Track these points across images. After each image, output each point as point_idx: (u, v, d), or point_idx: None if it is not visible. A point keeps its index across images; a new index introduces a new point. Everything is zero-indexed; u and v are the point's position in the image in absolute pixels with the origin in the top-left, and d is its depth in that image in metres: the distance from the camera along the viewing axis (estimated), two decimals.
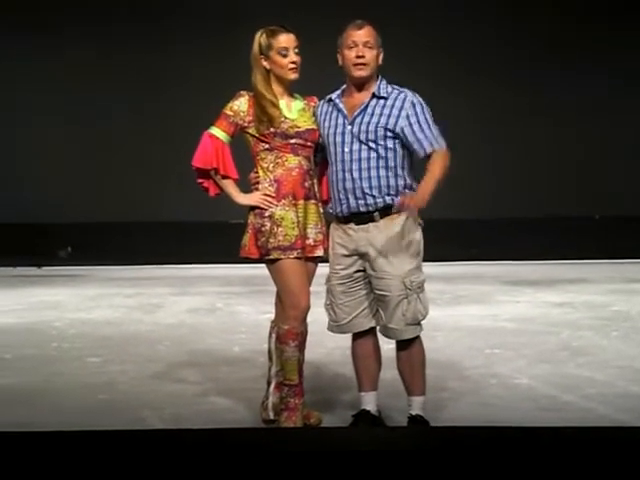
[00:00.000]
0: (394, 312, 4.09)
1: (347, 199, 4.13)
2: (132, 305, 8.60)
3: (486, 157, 12.33)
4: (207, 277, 10.98)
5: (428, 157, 4.08)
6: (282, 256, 4.16)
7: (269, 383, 4.34)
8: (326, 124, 4.20)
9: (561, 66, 12.39)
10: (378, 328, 4.22)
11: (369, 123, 4.09)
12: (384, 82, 4.17)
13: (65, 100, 12.56)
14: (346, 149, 4.12)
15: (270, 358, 4.33)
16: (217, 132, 4.23)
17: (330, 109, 4.22)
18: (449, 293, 8.94)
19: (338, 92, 4.23)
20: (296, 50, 4.20)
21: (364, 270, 4.15)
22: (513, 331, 6.96)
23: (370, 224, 4.11)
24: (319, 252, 4.27)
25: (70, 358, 6.09)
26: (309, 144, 4.26)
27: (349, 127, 4.13)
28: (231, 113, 4.23)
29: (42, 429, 4.12)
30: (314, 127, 4.26)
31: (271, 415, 4.29)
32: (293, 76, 4.22)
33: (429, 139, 4.08)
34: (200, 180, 4.30)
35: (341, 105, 4.18)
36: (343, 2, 11.89)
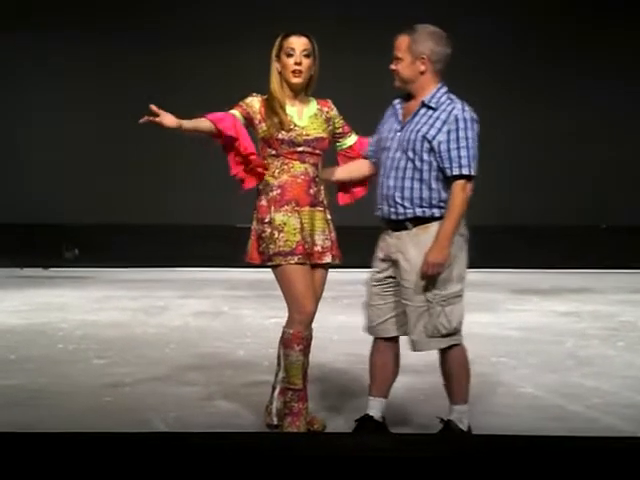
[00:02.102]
0: (416, 323, 4.06)
1: (382, 205, 4.12)
2: (138, 307, 8.60)
3: (493, 165, 12.30)
4: (213, 280, 10.99)
5: (452, 179, 4.01)
6: (283, 262, 4.16)
7: (274, 388, 4.34)
8: (384, 128, 4.20)
9: (575, 73, 12.36)
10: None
11: (411, 131, 4.05)
12: (441, 91, 4.09)
13: (72, 101, 12.56)
14: (390, 155, 4.11)
15: (279, 364, 4.33)
16: (233, 111, 4.22)
17: (391, 113, 4.21)
18: None
19: (403, 96, 4.20)
20: (305, 53, 4.19)
21: (395, 277, 4.13)
22: (519, 340, 6.95)
23: (403, 232, 4.07)
24: (327, 259, 4.27)
25: (75, 360, 6.09)
26: (317, 152, 4.26)
27: (399, 134, 4.10)
28: (244, 104, 4.25)
29: (47, 430, 4.13)
30: (323, 135, 4.26)
31: (275, 420, 4.29)
32: (294, 79, 4.21)
33: (459, 160, 3.99)
34: (234, 170, 4.24)
35: (399, 110, 4.17)
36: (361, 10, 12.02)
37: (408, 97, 4.17)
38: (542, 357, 6.22)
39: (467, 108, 4.05)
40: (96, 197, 12.39)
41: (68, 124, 12.53)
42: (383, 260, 4.16)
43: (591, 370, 5.78)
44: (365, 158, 4.39)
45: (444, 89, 4.10)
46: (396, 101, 4.21)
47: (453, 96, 4.09)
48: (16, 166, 12.60)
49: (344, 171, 4.45)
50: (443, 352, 4.14)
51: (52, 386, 5.29)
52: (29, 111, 12.62)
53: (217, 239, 11.65)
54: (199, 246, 12.12)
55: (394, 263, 4.11)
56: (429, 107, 4.06)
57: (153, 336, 7.03)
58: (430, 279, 4.02)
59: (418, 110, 4.08)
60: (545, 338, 7.00)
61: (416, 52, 4.06)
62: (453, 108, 4.03)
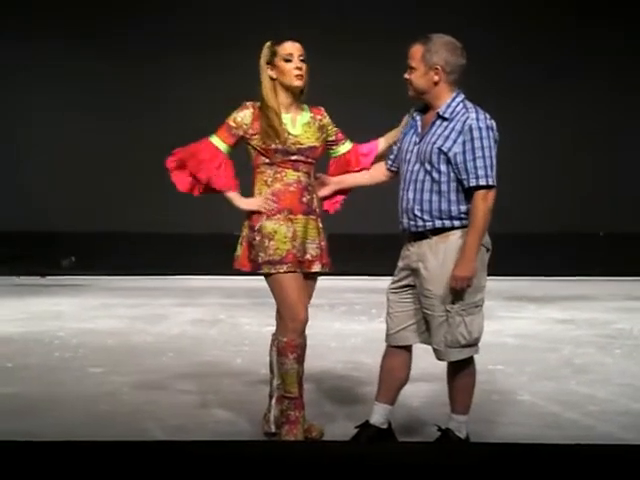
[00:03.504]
0: (436, 333, 4.03)
1: (402, 218, 4.11)
2: (135, 315, 8.60)
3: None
4: (210, 288, 10.98)
5: (473, 190, 3.98)
6: (273, 270, 4.17)
7: (271, 396, 4.34)
8: (404, 139, 4.16)
9: (574, 80, 12.39)
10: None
11: (428, 143, 4.01)
12: (456, 100, 4.04)
13: (69, 110, 12.59)
14: (409, 167, 4.07)
15: (272, 371, 4.34)
16: (217, 142, 4.24)
17: (412, 123, 4.17)
18: None
19: (422, 106, 4.15)
20: (301, 58, 4.20)
21: (415, 286, 4.11)
22: (516, 347, 6.96)
23: (424, 241, 4.04)
24: (316, 267, 4.28)
25: (72, 368, 6.09)
26: (310, 160, 4.27)
27: (417, 146, 4.07)
28: (234, 125, 4.24)
29: (43, 439, 4.12)
30: (316, 144, 4.27)
31: (273, 428, 4.29)
32: (297, 83, 4.21)
33: (476, 171, 3.95)
34: (173, 175, 4.38)
35: (419, 122, 4.13)
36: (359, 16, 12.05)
37: (426, 108, 4.13)
38: (538, 365, 6.22)
39: (482, 116, 3.99)
40: (93, 205, 12.40)
41: (66, 132, 12.55)
42: (403, 269, 4.14)
43: (587, 378, 5.79)
44: (387, 167, 4.35)
45: (459, 98, 4.05)
46: (415, 112, 4.17)
47: (470, 104, 4.04)
48: (13, 174, 12.61)
49: (359, 178, 4.44)
50: (455, 362, 4.11)
51: (49, 394, 5.28)
52: (27, 120, 12.64)
53: (214, 247, 11.62)
54: (196, 254, 12.12)
55: (414, 272, 4.09)
56: (444, 118, 4.01)
57: (150, 344, 7.03)
58: (457, 292, 3.98)
59: (434, 121, 4.04)
60: (541, 345, 7.01)
61: (430, 62, 4.01)
62: (467, 118, 3.97)
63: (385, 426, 4.22)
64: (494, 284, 11.79)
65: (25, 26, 12.49)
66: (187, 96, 12.25)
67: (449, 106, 4.02)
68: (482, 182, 3.95)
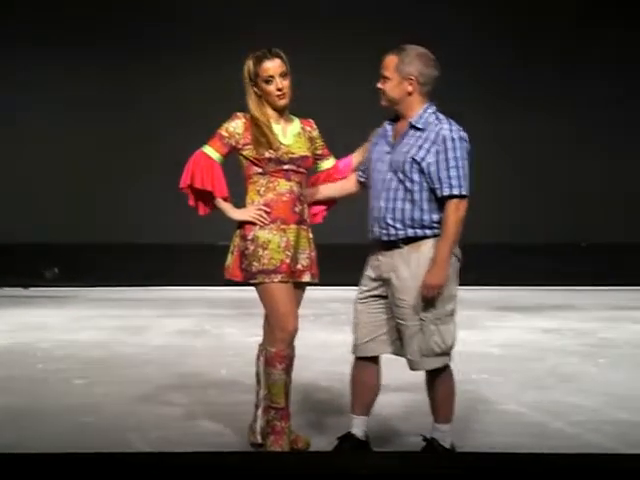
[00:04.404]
0: (410, 342, 4.04)
1: (373, 227, 4.10)
2: (119, 327, 8.56)
3: (475, 184, 12.36)
4: (194, 299, 10.96)
5: (445, 199, 3.99)
6: (266, 280, 4.16)
7: (257, 406, 4.33)
8: (374, 149, 4.18)
9: (559, 92, 12.46)
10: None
11: (400, 153, 4.03)
12: (428, 111, 4.07)
13: (52, 120, 12.55)
14: (380, 177, 4.08)
15: (258, 381, 4.32)
16: (210, 151, 4.24)
17: (382, 133, 4.19)
18: None
19: (393, 117, 4.18)
20: (282, 75, 4.20)
21: (386, 296, 4.10)
22: (501, 357, 6.96)
23: (395, 251, 4.05)
24: (306, 277, 4.28)
25: (56, 380, 6.05)
26: (302, 170, 4.27)
27: (389, 156, 4.08)
28: (226, 134, 4.24)
29: (26, 451, 4.09)
30: (308, 154, 4.28)
31: (259, 439, 4.27)
32: (281, 102, 4.23)
33: (449, 180, 3.97)
34: (190, 199, 4.30)
35: (390, 132, 4.14)
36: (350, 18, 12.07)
37: (398, 118, 4.15)
38: (524, 374, 6.23)
39: (455, 127, 4.03)
40: (76, 217, 12.36)
41: (50, 145, 12.50)
42: (374, 279, 4.13)
43: (573, 387, 5.80)
44: (357, 178, 4.37)
45: (431, 109, 4.08)
46: (387, 122, 4.19)
47: (441, 115, 4.07)
48: None
49: (331, 189, 4.45)
50: (432, 371, 4.12)
51: (32, 406, 5.24)
52: (13, 132, 12.59)
53: (198, 257, 11.62)
54: (180, 264, 12.10)
55: (385, 282, 4.10)
56: (417, 128, 4.04)
57: (134, 356, 7.00)
58: (428, 300, 4.00)
59: (407, 131, 4.06)
60: (527, 355, 7.02)
61: (404, 72, 4.04)
62: (441, 128, 4.01)
63: (364, 438, 4.22)
64: (480, 294, 11.95)
65: (23, 28, 12.45)
66: (176, 108, 12.24)
67: (421, 117, 4.05)
68: (455, 192, 3.98)
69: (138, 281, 12.14)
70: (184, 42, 12.26)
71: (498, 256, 12.20)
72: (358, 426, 4.22)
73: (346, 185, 4.42)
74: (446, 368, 4.13)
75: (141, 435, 4.61)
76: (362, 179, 4.33)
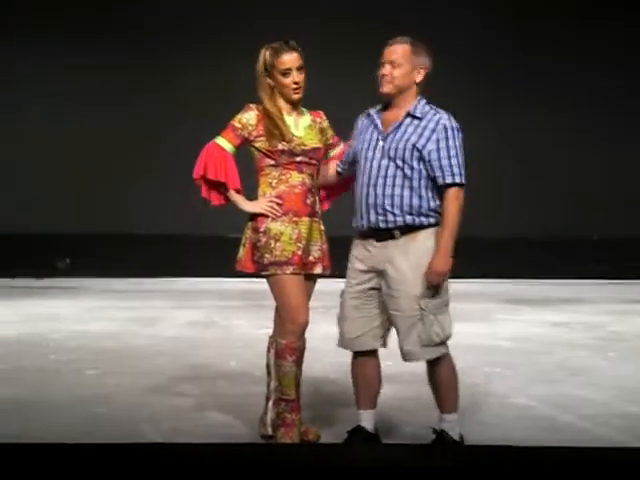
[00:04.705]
0: (409, 333, 4.05)
1: (368, 214, 4.10)
2: (130, 318, 8.60)
3: (485, 176, 12.34)
4: (205, 291, 10.99)
5: (445, 187, 4.04)
6: (278, 271, 4.17)
7: (268, 398, 4.34)
8: (361, 138, 4.19)
9: (560, 85, 12.42)
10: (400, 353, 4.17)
11: (399, 141, 4.06)
12: (422, 102, 4.12)
13: (65, 111, 12.60)
14: (374, 164, 4.09)
15: (269, 373, 4.33)
16: (223, 143, 4.24)
17: (367, 123, 4.20)
18: None
19: (378, 107, 4.20)
20: (299, 69, 4.20)
21: (379, 288, 4.12)
22: (511, 350, 6.97)
23: (390, 241, 4.07)
24: (318, 270, 4.29)
25: (68, 370, 6.08)
26: (314, 162, 4.28)
27: (381, 143, 4.11)
28: (239, 125, 4.24)
29: (38, 441, 4.12)
30: (319, 146, 4.28)
31: (269, 431, 4.29)
32: (295, 96, 4.24)
33: (452, 169, 4.02)
34: (203, 190, 4.31)
35: (378, 120, 4.16)
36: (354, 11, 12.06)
37: (384, 107, 4.18)
38: (533, 367, 6.23)
39: (452, 118, 4.09)
40: (89, 207, 12.41)
41: (61, 134, 12.54)
42: (365, 271, 4.13)
43: (582, 380, 5.80)
44: (336, 169, 4.38)
45: (424, 100, 4.14)
46: (372, 110, 4.21)
47: (434, 106, 4.12)
48: (8, 176, 12.60)
49: (320, 178, 4.43)
50: (433, 362, 4.14)
51: (44, 397, 5.27)
52: (25, 121, 12.63)
53: (209, 249, 11.65)
54: (191, 256, 12.14)
55: (380, 274, 4.10)
56: (414, 117, 4.08)
57: (145, 347, 7.03)
58: (432, 288, 4.03)
59: (403, 120, 4.09)
60: (536, 348, 7.02)
61: (416, 62, 4.08)
62: (440, 118, 4.06)
63: (374, 431, 4.24)
64: (489, 287, 11.93)
65: (24, 26, 12.48)
66: (186, 101, 12.25)
67: (417, 106, 4.10)
68: (457, 180, 4.04)
69: (149, 272, 12.18)
70: (184, 41, 12.27)
71: (508, 249, 12.20)
72: (367, 420, 4.23)
73: (329, 174, 4.41)
74: (446, 357, 4.15)
75: (153, 426, 4.63)
76: (339, 169, 4.35)
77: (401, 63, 4.06)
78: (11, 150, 12.64)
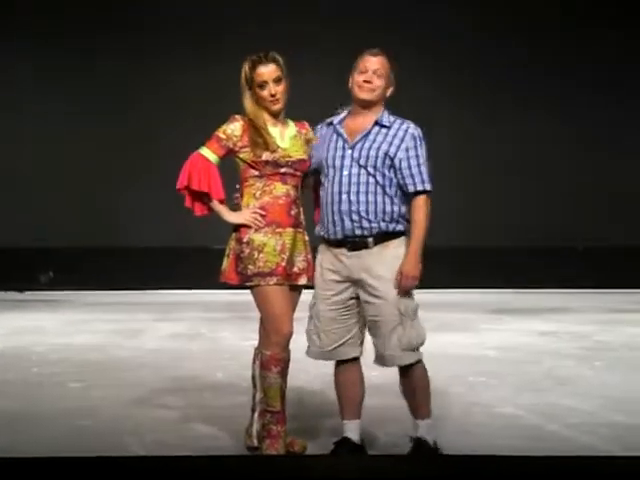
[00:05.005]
0: (389, 338, 4.08)
1: (342, 221, 4.13)
2: (114, 330, 8.56)
3: (472, 187, 12.39)
4: (189, 303, 10.96)
5: (414, 194, 4.14)
6: (262, 282, 4.16)
7: (253, 410, 4.32)
8: (324, 147, 4.22)
9: (558, 93, 12.47)
10: (373, 359, 4.20)
11: (370, 149, 4.12)
12: (387, 113, 4.21)
13: (51, 125, 12.56)
14: (345, 172, 4.13)
15: (254, 385, 4.32)
16: (207, 153, 4.23)
17: (330, 132, 4.24)
18: (433, 320, 8.89)
19: (340, 117, 4.26)
20: (276, 81, 4.21)
21: (357, 297, 4.15)
22: (497, 359, 6.97)
23: (363, 250, 4.11)
24: (302, 280, 4.28)
25: (51, 383, 6.04)
26: (298, 173, 4.28)
27: (349, 151, 4.15)
28: (224, 136, 4.24)
29: (22, 455, 4.08)
30: (304, 157, 4.28)
31: (255, 442, 4.27)
32: (274, 108, 4.25)
33: (421, 176, 4.13)
34: (187, 200, 4.30)
35: (342, 130, 4.21)
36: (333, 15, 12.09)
37: (348, 117, 4.22)
38: (520, 377, 6.23)
39: (417, 127, 4.20)
40: (72, 221, 12.36)
41: (45, 147, 12.50)
42: (340, 282, 4.16)
43: (568, 390, 5.80)
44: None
45: (387, 111, 4.24)
46: (335, 120, 4.25)
47: (397, 116, 4.22)
48: None
49: None
50: (408, 368, 4.17)
51: (28, 410, 5.24)
52: (14, 135, 12.58)
53: (192, 261, 11.63)
54: (175, 268, 12.10)
55: (356, 283, 4.13)
56: (383, 125, 4.16)
57: (130, 359, 6.99)
58: (405, 292, 4.08)
59: (371, 129, 4.16)
60: (522, 358, 7.03)
61: (391, 78, 4.21)
62: (408, 127, 4.17)
63: (359, 441, 4.24)
64: (475, 297, 11.92)
65: (24, 26, 12.45)
66: (171, 111, 12.24)
67: (383, 116, 4.19)
68: (427, 187, 4.15)
69: (133, 285, 12.14)
70: (184, 41, 12.27)
71: (494, 259, 12.22)
72: (352, 430, 4.23)
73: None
74: (420, 362, 4.19)
75: (137, 438, 4.60)
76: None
77: (382, 75, 4.16)
78: None
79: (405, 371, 4.18)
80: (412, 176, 4.12)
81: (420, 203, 4.13)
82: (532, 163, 12.61)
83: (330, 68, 11.13)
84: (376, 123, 4.17)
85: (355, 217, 4.11)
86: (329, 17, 12.13)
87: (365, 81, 4.13)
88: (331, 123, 4.26)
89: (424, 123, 4.35)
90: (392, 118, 4.20)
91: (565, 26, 12.52)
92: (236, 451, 4.35)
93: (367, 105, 4.17)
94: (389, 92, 4.21)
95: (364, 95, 4.15)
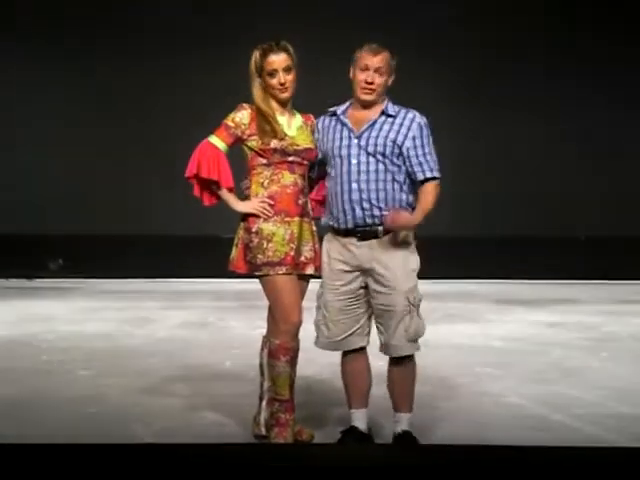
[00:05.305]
0: (397, 328, 4.11)
1: (353, 210, 4.15)
2: (123, 318, 8.59)
3: (475, 176, 12.37)
4: (198, 291, 10.98)
5: (422, 182, 4.17)
6: (271, 272, 4.19)
7: (261, 398, 4.35)
8: (330, 137, 4.24)
9: (560, 86, 12.44)
10: (378, 347, 4.23)
11: (378, 137, 4.15)
12: (390, 102, 4.23)
13: (59, 111, 12.56)
14: (353, 161, 4.16)
15: (262, 373, 4.34)
16: (216, 141, 4.26)
17: (334, 123, 4.26)
18: (440, 311, 8.95)
19: (343, 107, 4.28)
20: (287, 70, 4.23)
21: (365, 287, 4.18)
22: (503, 350, 6.98)
23: (373, 240, 4.14)
24: (310, 270, 4.30)
25: (60, 371, 6.08)
26: (305, 162, 4.29)
27: (355, 140, 4.17)
28: (232, 124, 4.26)
29: (32, 442, 4.11)
30: (311, 146, 4.30)
31: (263, 431, 4.29)
32: (282, 96, 4.27)
33: (429, 164, 4.16)
34: (196, 189, 4.32)
35: (346, 120, 4.22)
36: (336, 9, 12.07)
37: (352, 107, 4.24)
38: (526, 367, 6.25)
39: (422, 115, 4.23)
40: (82, 208, 12.37)
41: (54, 135, 12.52)
42: (349, 271, 4.18)
43: (575, 380, 5.82)
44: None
45: (389, 100, 4.25)
46: (338, 111, 4.27)
47: (401, 105, 4.25)
48: (1, 176, 12.57)
49: None
50: (404, 358, 4.19)
51: (37, 397, 5.27)
52: (19, 122, 12.60)
53: (202, 250, 11.64)
54: (184, 257, 12.12)
55: (365, 272, 4.16)
56: (389, 115, 4.19)
57: (139, 347, 7.03)
58: (391, 221, 4.07)
59: (377, 118, 4.18)
60: (529, 348, 7.04)
61: (392, 68, 4.22)
62: (414, 115, 4.21)
63: (367, 430, 4.26)
64: (482, 287, 11.93)
65: (23, 26, 12.45)
66: (180, 101, 12.24)
67: (387, 106, 4.22)
68: (436, 174, 4.19)
69: (142, 273, 12.17)
70: (184, 42, 12.26)
71: (501, 249, 12.21)
72: (359, 419, 4.26)
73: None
74: (413, 355, 4.23)
75: (145, 426, 4.64)
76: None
77: (385, 72, 4.18)
78: (4, 150, 12.62)
79: (399, 362, 4.20)
80: (420, 164, 4.15)
81: (429, 189, 4.15)
82: (533, 156, 12.58)
83: (331, 69, 11.18)
84: (382, 113, 4.19)
85: (366, 205, 4.13)
86: (329, 17, 12.10)
87: (367, 82, 4.14)
88: (334, 114, 4.28)
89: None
90: (397, 107, 4.22)
91: (566, 26, 12.47)
92: (244, 439, 4.38)
93: (369, 105, 4.20)
94: (390, 81, 4.23)
95: (365, 97, 4.18)
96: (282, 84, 4.23)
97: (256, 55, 4.26)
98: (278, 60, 4.22)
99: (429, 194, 4.14)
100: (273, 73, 4.22)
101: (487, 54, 12.30)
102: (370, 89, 4.15)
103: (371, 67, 4.14)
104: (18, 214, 12.32)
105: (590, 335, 7.71)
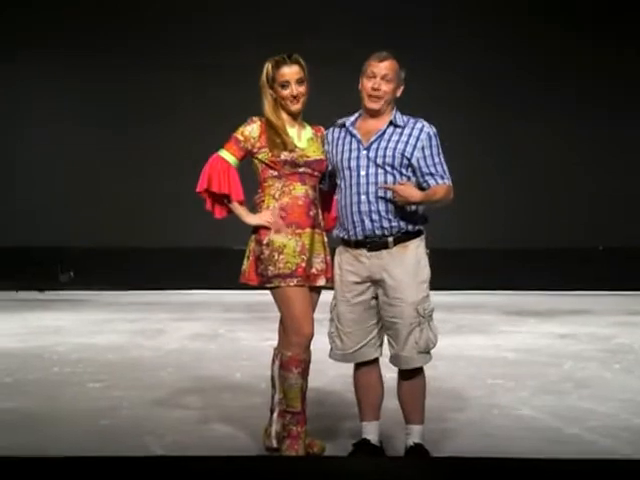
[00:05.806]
0: (407, 340, 4.10)
1: (362, 222, 4.14)
2: (134, 330, 8.59)
3: (488, 188, 12.36)
4: (209, 303, 10.98)
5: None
6: (282, 284, 4.18)
7: (272, 411, 4.33)
8: (339, 149, 4.23)
9: (574, 93, 12.42)
10: (388, 358, 4.21)
11: (386, 148, 4.14)
12: (398, 112, 4.23)
13: (70, 124, 12.61)
14: (362, 172, 4.15)
15: (273, 385, 4.33)
16: (226, 155, 4.26)
17: (343, 134, 4.26)
18: (451, 322, 8.93)
19: (352, 119, 4.27)
20: (299, 82, 4.24)
21: (376, 297, 4.17)
22: (516, 361, 6.95)
23: (383, 251, 4.13)
24: (321, 282, 4.29)
25: (71, 383, 6.08)
26: (316, 174, 4.29)
27: (364, 152, 4.17)
28: (242, 138, 4.27)
29: (42, 454, 4.11)
30: (322, 157, 4.30)
31: (274, 443, 4.27)
32: (294, 108, 4.27)
33: (440, 174, 4.16)
34: (207, 202, 4.32)
35: (355, 131, 4.22)
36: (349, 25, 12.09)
37: (360, 118, 4.24)
38: (539, 379, 6.22)
39: (430, 124, 4.22)
40: (92, 220, 12.40)
41: (66, 147, 12.56)
42: (361, 283, 4.17)
43: (588, 392, 5.78)
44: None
45: (397, 111, 4.24)
46: (347, 122, 4.26)
47: (409, 115, 4.24)
48: (11, 188, 12.62)
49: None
50: (414, 370, 4.18)
51: (48, 409, 5.27)
52: (27, 135, 12.65)
53: (213, 261, 11.65)
54: (195, 268, 12.13)
55: (376, 283, 4.15)
56: (397, 125, 4.18)
57: (150, 359, 7.03)
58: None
59: (386, 129, 4.17)
60: (542, 360, 7.01)
61: (400, 78, 4.21)
62: (423, 125, 4.19)
63: (379, 443, 4.24)
64: (494, 298, 11.89)
65: (24, 27, 12.50)
66: (190, 114, 12.27)
67: (396, 117, 4.21)
68: (447, 182, 4.18)
69: (153, 285, 12.18)
70: (184, 42, 12.30)
71: (512, 261, 12.18)
72: (371, 432, 4.24)
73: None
74: (423, 367, 4.21)
75: (156, 438, 4.62)
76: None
77: (392, 79, 4.16)
78: (14, 161, 12.67)
79: (409, 374, 4.19)
80: (431, 174, 4.15)
81: (442, 186, 4.15)
82: (546, 165, 12.55)
83: (330, 70, 11.20)
84: (390, 123, 4.18)
85: (375, 217, 4.13)
86: (329, 17, 12.12)
87: (373, 89, 4.13)
88: (343, 125, 4.27)
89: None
90: (405, 118, 4.21)
91: (568, 26, 12.45)
92: (255, 452, 4.36)
93: (376, 114, 4.19)
94: (399, 91, 4.21)
95: (372, 105, 4.17)
96: (294, 96, 4.24)
97: (268, 67, 4.28)
98: (290, 72, 4.23)
99: (441, 188, 4.14)
100: (285, 85, 4.23)
101: (490, 55, 12.29)
102: (376, 96, 4.14)
103: (377, 74, 4.14)
104: (30, 226, 12.35)
105: (602, 346, 7.67)
